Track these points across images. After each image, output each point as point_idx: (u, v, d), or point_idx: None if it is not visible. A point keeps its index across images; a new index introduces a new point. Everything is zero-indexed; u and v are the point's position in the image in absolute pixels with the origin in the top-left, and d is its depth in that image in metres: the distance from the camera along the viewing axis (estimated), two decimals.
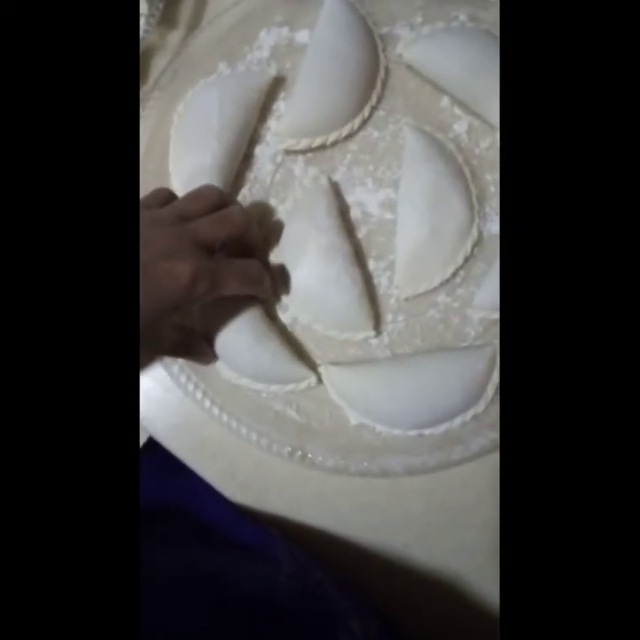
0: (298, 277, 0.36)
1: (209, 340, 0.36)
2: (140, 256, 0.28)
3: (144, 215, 0.31)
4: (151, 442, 0.44)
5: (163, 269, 0.29)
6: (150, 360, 0.37)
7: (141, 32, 0.39)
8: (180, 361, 0.37)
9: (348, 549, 0.36)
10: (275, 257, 0.38)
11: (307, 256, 0.36)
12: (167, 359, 0.37)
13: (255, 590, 0.31)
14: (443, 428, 0.36)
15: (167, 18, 0.42)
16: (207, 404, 0.37)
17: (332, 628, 0.31)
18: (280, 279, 0.37)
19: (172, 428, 0.38)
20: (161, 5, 0.40)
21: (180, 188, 0.37)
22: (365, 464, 0.36)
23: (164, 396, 0.38)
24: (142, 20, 0.39)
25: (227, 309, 0.36)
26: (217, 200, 0.33)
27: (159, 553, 0.32)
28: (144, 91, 0.41)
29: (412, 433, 0.36)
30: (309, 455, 0.36)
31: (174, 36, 0.43)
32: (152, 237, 0.29)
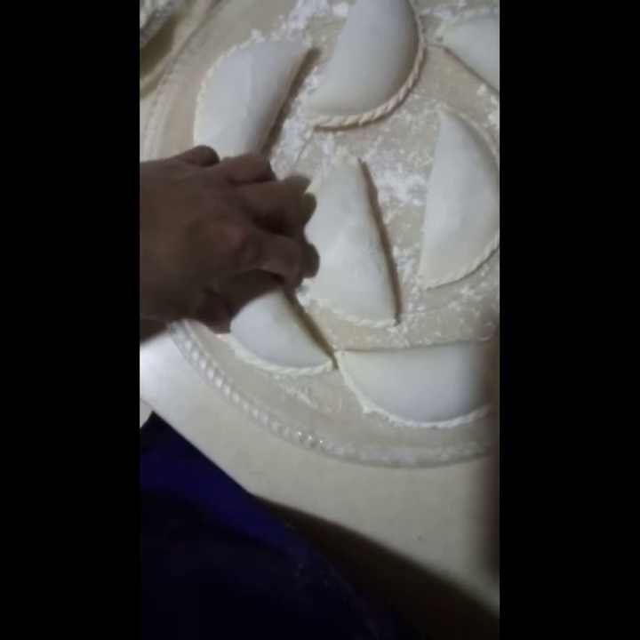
0: (323, 259, 0.35)
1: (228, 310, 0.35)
2: (192, 213, 0.27)
3: (194, 171, 0.30)
4: (158, 424, 0.43)
5: (215, 230, 0.28)
6: (174, 320, 0.36)
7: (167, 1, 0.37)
8: (194, 337, 0.36)
9: (361, 542, 0.36)
10: None
11: (334, 238, 0.35)
12: (180, 335, 0.36)
13: (268, 587, 0.30)
14: (456, 422, 0.36)
15: None
16: (219, 383, 0.36)
17: (348, 629, 0.30)
18: (304, 263, 0.36)
19: (186, 414, 0.37)
20: None
21: None
22: (377, 454, 0.35)
23: (177, 381, 0.37)
24: None
25: (248, 286, 0.34)
26: (265, 171, 0.32)
27: (168, 549, 0.31)
28: (168, 58, 0.39)
29: (426, 425, 0.36)
30: (321, 441, 0.35)
31: (201, 5, 0.41)
32: (203, 195, 0.28)
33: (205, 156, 0.33)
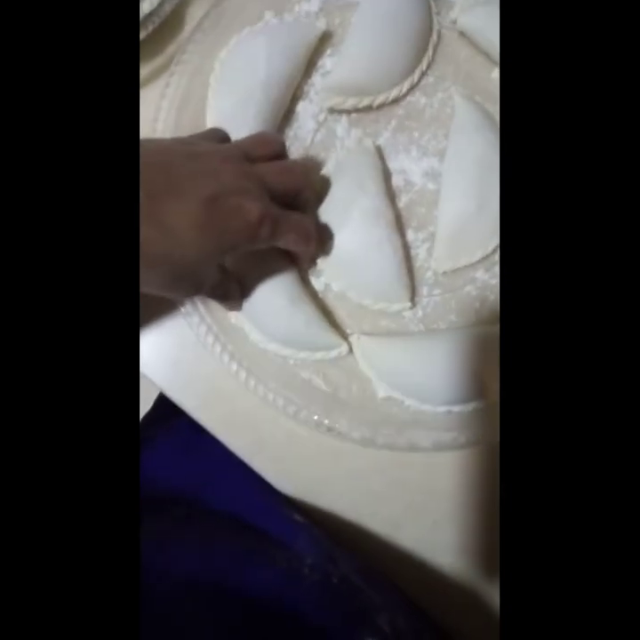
0: (338, 241, 0.35)
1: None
2: (212, 185, 0.27)
3: (213, 147, 0.30)
4: (164, 412, 0.42)
5: (233, 204, 0.27)
6: (189, 297, 0.35)
7: None
8: (209, 321, 0.35)
9: (377, 525, 0.36)
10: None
11: (349, 219, 0.34)
12: (195, 318, 0.35)
13: (275, 585, 0.30)
14: (472, 406, 0.35)
15: None
16: (234, 367, 0.35)
17: (359, 628, 0.29)
18: (318, 242, 0.35)
19: (201, 399, 0.37)
20: None
21: None
22: (393, 437, 0.35)
23: (191, 366, 0.37)
24: None
25: (263, 267, 0.34)
26: (280, 149, 0.32)
27: (172, 539, 0.30)
28: (180, 40, 0.39)
29: (442, 409, 0.36)
30: (336, 425, 0.35)
31: None
32: (222, 170, 0.28)
33: (219, 139, 0.33)
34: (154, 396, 0.55)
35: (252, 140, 0.32)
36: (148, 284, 0.27)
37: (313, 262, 0.36)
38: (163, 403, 0.58)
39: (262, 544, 0.33)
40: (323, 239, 0.35)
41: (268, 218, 0.28)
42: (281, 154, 0.33)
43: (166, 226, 0.26)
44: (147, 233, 0.25)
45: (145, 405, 0.57)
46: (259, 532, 0.34)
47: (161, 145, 0.30)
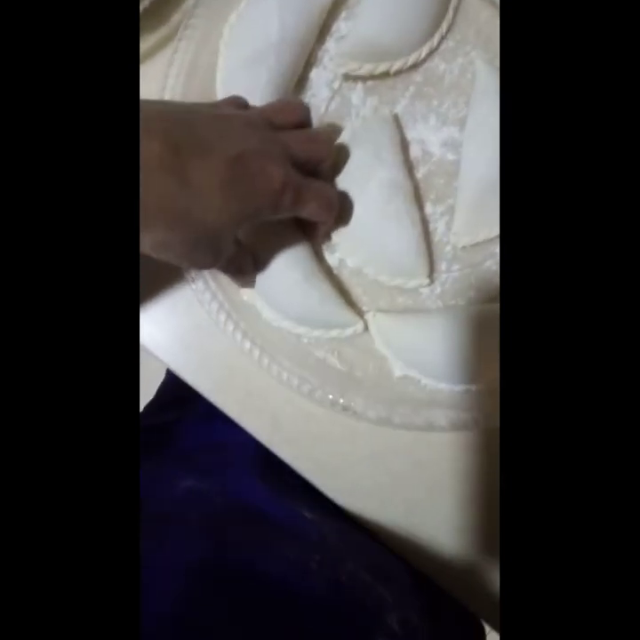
0: (354, 214, 0.34)
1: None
2: (238, 145, 0.26)
3: (238, 115, 0.29)
4: (180, 395, 0.41)
5: (257, 167, 0.27)
6: (205, 269, 0.35)
7: None
8: (220, 298, 0.34)
9: (398, 507, 0.35)
10: None
11: (366, 191, 0.33)
12: (206, 295, 0.34)
13: (284, 575, 0.29)
14: (491, 385, 0.34)
15: None
16: (247, 345, 0.34)
17: (368, 629, 0.29)
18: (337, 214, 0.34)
19: (216, 382, 0.36)
20: None
21: None
22: (410, 416, 0.34)
23: (205, 348, 0.36)
24: None
25: (277, 242, 0.33)
26: (305, 117, 0.31)
27: (177, 535, 0.30)
28: (186, 7, 0.37)
29: (459, 388, 0.35)
30: (352, 404, 0.34)
31: None
32: (247, 136, 0.28)
33: (240, 106, 0.32)
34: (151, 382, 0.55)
35: (276, 107, 0.31)
36: (168, 248, 0.26)
37: (328, 236, 0.35)
38: (165, 391, 0.58)
39: (273, 534, 0.33)
40: (341, 212, 0.34)
41: (290, 185, 0.28)
42: (305, 122, 0.32)
43: (190, 182, 0.25)
44: (169, 187, 0.24)
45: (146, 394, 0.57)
46: (270, 522, 0.33)
47: (186, 104, 0.30)
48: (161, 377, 0.60)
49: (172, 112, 0.27)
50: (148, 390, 0.56)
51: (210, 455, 0.39)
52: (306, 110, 0.32)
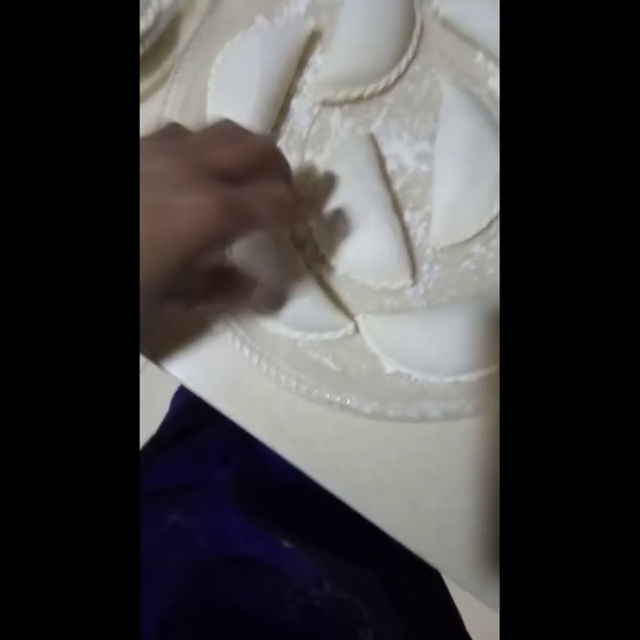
0: (338, 225, 0.37)
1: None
2: (148, 194, 0.22)
3: (145, 146, 0.25)
4: (166, 441, 0.43)
5: (183, 206, 0.23)
6: (184, 311, 0.36)
7: None
8: (216, 307, 0.37)
9: (398, 498, 0.37)
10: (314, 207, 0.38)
11: (348, 204, 0.36)
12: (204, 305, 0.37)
13: (262, 608, 0.30)
14: (478, 374, 0.37)
15: None
16: (246, 352, 0.37)
17: None
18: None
19: (220, 389, 0.38)
20: None
21: None
22: (403, 409, 0.36)
23: (208, 356, 0.38)
24: None
25: (267, 254, 0.36)
26: (238, 134, 0.28)
27: (163, 575, 0.31)
28: (176, 52, 0.41)
29: (448, 379, 0.37)
30: (348, 402, 0.37)
31: (203, 0, 0.43)
32: (158, 169, 0.24)
33: (172, 135, 0.29)
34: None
35: (201, 134, 0.28)
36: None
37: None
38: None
39: (253, 569, 0.33)
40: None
41: (229, 205, 0.24)
42: (271, 164, 0.29)
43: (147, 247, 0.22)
44: None
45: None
46: (249, 558, 0.34)
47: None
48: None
49: None
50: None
51: (193, 492, 0.40)
52: (238, 128, 0.28)
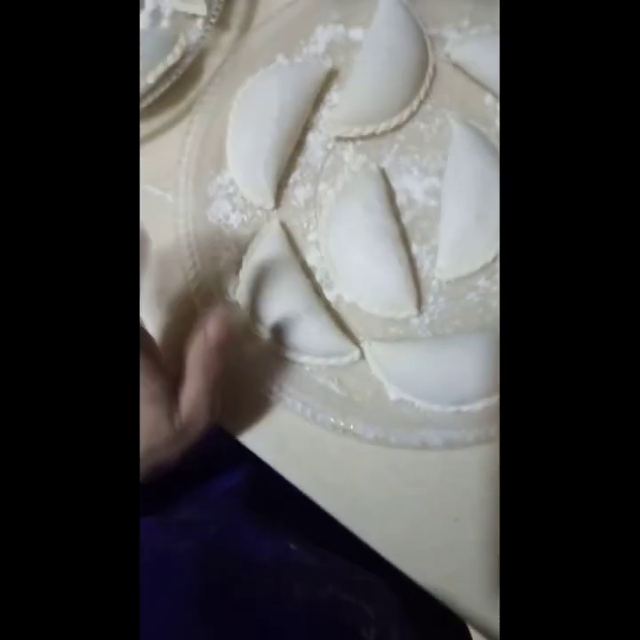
0: (347, 256, 0.38)
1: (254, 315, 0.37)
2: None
3: None
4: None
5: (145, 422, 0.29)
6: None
7: (200, 34, 0.42)
8: None
9: (399, 524, 0.37)
10: (325, 237, 0.40)
11: (357, 236, 0.38)
12: None
13: (262, 607, 0.31)
14: (480, 404, 0.37)
15: (220, 19, 0.45)
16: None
17: None
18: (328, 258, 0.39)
19: (226, 408, 0.38)
20: (220, 7, 0.43)
21: (236, 167, 0.40)
22: (405, 436, 0.37)
23: None
24: (200, 23, 0.42)
25: (277, 282, 0.37)
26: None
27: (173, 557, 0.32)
28: (201, 85, 0.44)
29: (451, 409, 0.38)
30: (351, 427, 0.37)
31: (227, 37, 0.45)
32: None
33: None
34: None
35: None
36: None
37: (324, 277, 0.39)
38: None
39: (259, 568, 0.34)
40: (337, 254, 0.37)
41: (197, 400, 0.31)
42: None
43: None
44: None
45: None
46: (257, 558, 0.34)
47: None
48: None
49: None
50: None
51: (203, 498, 0.41)
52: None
